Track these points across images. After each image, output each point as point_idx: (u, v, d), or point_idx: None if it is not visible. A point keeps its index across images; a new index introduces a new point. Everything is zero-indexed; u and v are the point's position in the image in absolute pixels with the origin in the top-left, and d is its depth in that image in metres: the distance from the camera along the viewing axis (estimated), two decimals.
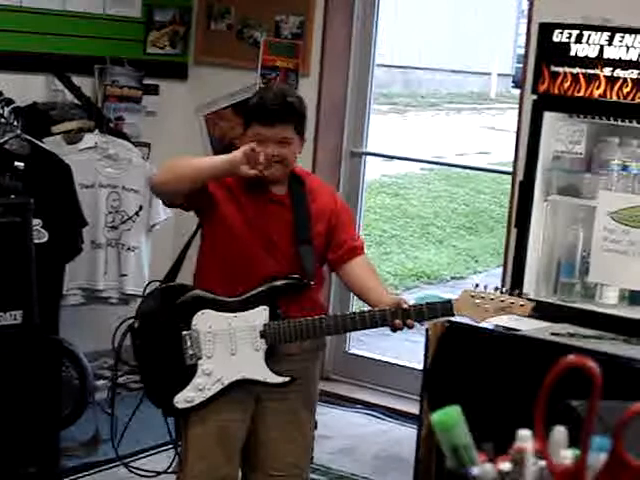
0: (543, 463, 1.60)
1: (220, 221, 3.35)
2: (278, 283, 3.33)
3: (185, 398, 3.34)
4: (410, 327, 3.25)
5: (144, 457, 4.57)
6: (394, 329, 3.26)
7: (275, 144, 3.27)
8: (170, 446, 3.81)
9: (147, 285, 3.51)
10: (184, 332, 3.35)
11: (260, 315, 3.31)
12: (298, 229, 3.35)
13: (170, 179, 3.34)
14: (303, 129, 3.37)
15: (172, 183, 3.32)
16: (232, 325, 3.32)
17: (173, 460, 3.68)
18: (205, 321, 3.33)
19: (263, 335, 3.31)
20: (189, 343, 3.34)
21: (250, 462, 3.48)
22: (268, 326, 3.31)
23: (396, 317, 3.22)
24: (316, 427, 3.59)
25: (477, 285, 3.27)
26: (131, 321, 3.43)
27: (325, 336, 3.45)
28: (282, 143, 3.28)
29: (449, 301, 3.25)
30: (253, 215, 3.34)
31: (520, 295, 3.27)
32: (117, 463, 4.45)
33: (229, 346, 3.33)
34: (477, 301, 3.22)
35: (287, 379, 3.33)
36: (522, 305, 3.23)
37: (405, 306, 3.23)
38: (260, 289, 3.32)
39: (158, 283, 3.45)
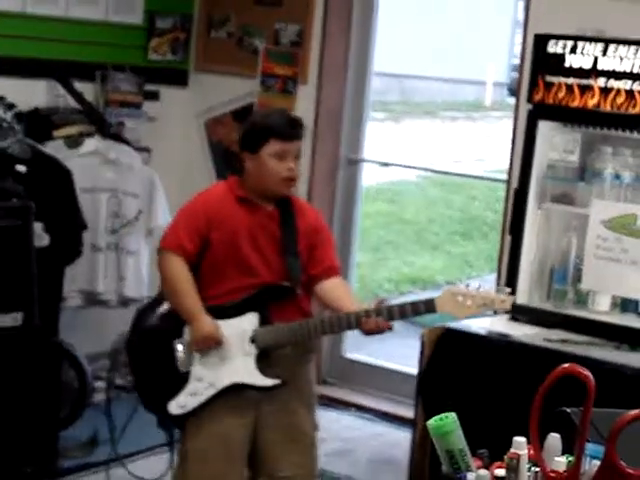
0: (538, 469, 1.64)
1: (221, 241, 3.43)
2: (266, 289, 3.41)
3: (178, 404, 3.40)
4: (389, 328, 3.29)
5: (141, 459, 4.61)
6: (367, 332, 3.29)
7: (292, 159, 3.41)
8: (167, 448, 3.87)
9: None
10: (176, 340, 3.43)
11: (250, 321, 3.39)
12: (286, 242, 3.43)
13: (164, 290, 3.51)
14: None
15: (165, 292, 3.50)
16: (223, 331, 3.39)
17: (171, 464, 3.73)
18: None
19: (253, 340, 3.38)
20: (181, 351, 3.43)
21: (256, 466, 3.52)
22: (258, 331, 3.39)
23: (380, 316, 3.27)
24: (317, 429, 3.61)
25: (460, 283, 3.33)
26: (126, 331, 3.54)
27: (314, 339, 3.51)
28: (296, 157, 3.43)
29: (432, 299, 3.29)
30: (249, 229, 3.42)
31: (511, 290, 3.34)
32: (115, 463, 4.50)
33: (221, 352, 3.39)
34: (459, 298, 3.27)
35: (277, 382, 3.39)
36: (503, 301, 3.28)
37: (387, 304, 3.30)
38: (250, 295, 3.40)
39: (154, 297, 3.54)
